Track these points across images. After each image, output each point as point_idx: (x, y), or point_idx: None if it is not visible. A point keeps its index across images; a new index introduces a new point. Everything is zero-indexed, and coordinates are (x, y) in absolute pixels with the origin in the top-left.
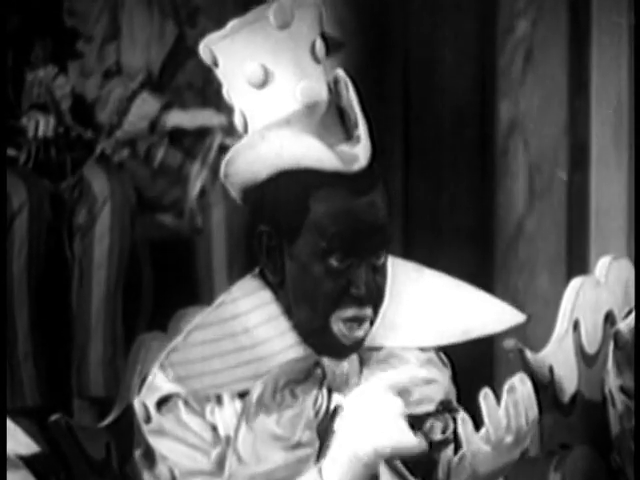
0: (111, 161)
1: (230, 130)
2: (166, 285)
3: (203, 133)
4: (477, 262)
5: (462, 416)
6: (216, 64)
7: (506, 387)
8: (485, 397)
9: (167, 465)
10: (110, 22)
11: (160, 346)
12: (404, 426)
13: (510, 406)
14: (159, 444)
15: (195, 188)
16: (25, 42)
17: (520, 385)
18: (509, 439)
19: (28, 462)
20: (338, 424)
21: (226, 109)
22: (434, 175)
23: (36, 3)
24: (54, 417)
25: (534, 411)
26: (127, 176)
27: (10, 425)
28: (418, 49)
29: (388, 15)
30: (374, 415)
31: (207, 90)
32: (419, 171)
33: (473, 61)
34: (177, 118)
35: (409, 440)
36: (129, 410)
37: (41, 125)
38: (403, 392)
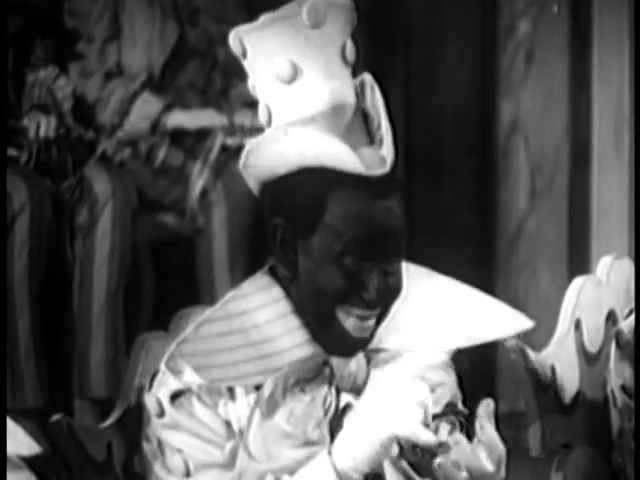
0: (112, 161)
1: (231, 130)
2: (167, 285)
3: (204, 133)
4: (478, 262)
5: None
6: (244, 55)
7: (438, 446)
8: None
9: (182, 457)
10: (111, 23)
11: (161, 346)
12: (419, 418)
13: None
14: (173, 438)
15: (196, 188)
16: (26, 43)
17: (454, 444)
18: None
19: (29, 463)
20: (356, 408)
21: (227, 109)
22: (434, 175)
23: (37, 4)
24: (55, 418)
25: (498, 451)
26: (128, 176)
27: (11, 425)
28: (419, 49)
29: (388, 15)
30: (397, 398)
31: (208, 90)
32: (419, 171)
33: (474, 61)
34: (178, 118)
35: (420, 433)
36: (131, 410)
37: (42, 126)
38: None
